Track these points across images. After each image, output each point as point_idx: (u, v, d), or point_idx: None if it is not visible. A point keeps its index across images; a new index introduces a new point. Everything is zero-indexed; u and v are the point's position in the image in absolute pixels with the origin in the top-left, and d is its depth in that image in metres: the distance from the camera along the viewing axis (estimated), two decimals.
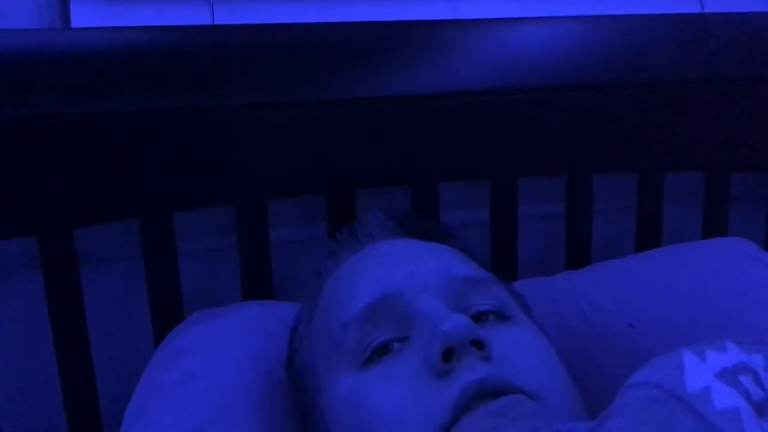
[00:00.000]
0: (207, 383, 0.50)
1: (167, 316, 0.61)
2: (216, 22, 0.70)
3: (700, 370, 0.32)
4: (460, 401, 0.36)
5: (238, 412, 0.49)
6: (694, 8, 0.84)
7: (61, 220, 0.58)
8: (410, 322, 0.41)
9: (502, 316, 0.42)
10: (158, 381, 0.52)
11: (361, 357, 0.41)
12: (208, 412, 0.48)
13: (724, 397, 0.30)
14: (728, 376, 0.32)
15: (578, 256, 0.71)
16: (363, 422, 0.39)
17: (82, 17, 0.67)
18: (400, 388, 0.38)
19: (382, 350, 0.40)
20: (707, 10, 0.84)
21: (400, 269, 0.44)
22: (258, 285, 0.64)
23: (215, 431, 0.47)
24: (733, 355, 0.33)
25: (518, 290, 0.50)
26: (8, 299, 0.64)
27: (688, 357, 0.33)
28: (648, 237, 0.73)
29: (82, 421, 0.60)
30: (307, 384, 0.45)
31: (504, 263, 0.68)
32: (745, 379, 0.32)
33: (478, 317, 0.42)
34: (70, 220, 0.58)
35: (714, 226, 0.75)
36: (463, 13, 0.77)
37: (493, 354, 0.38)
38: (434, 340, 0.37)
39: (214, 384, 0.50)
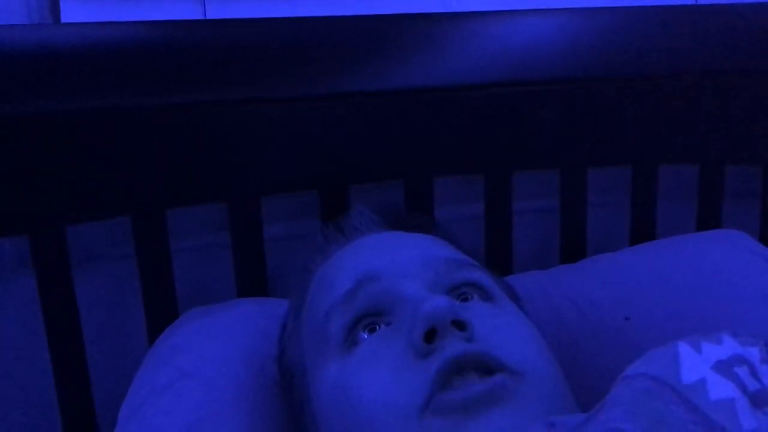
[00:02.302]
0: (201, 382, 0.50)
1: (161, 313, 0.61)
2: (207, 17, 0.70)
3: (695, 362, 0.32)
4: (438, 375, 0.36)
5: (233, 410, 0.49)
6: None
7: (52, 218, 0.57)
8: (392, 306, 0.41)
9: (485, 295, 0.42)
10: (152, 379, 0.52)
11: (346, 342, 0.41)
12: (202, 411, 0.48)
13: (720, 389, 0.30)
14: (724, 367, 0.32)
15: (573, 249, 0.71)
16: (348, 408, 0.39)
17: (71, 12, 0.66)
18: (383, 370, 0.38)
19: (367, 329, 0.41)
20: (701, 1, 0.84)
21: (380, 256, 0.44)
22: (252, 282, 0.63)
23: (209, 430, 0.47)
24: (728, 347, 0.33)
25: (509, 282, 0.50)
26: (1, 298, 0.64)
27: (684, 349, 0.33)
28: (642, 230, 0.73)
29: (76, 419, 0.59)
30: (296, 381, 0.45)
31: (499, 257, 0.68)
32: (741, 371, 0.32)
33: (462, 295, 0.42)
34: (62, 218, 0.58)
35: (708, 220, 0.75)
36: (457, 5, 0.76)
37: (474, 334, 0.38)
38: (415, 321, 0.37)
39: (208, 382, 0.50)
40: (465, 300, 0.42)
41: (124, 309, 0.66)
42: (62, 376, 0.59)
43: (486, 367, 0.36)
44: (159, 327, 0.59)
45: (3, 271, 0.64)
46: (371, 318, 0.41)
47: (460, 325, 0.38)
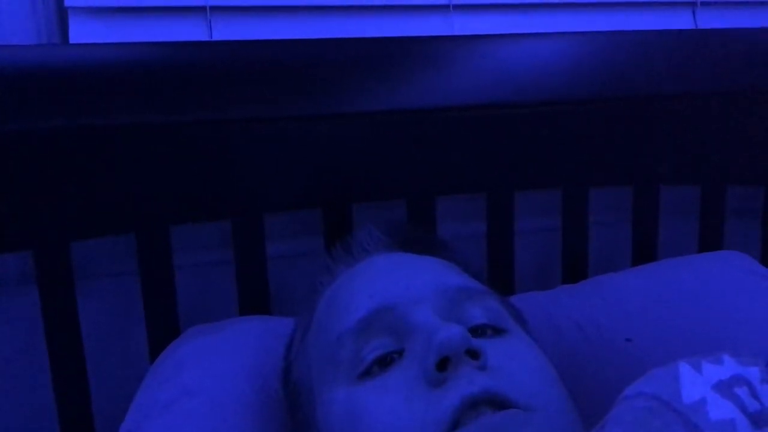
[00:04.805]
0: (203, 399, 0.50)
1: (163, 330, 0.61)
2: (213, 38, 0.71)
3: (696, 382, 0.32)
4: (454, 415, 0.35)
5: (235, 427, 0.48)
6: (687, 24, 0.85)
7: (57, 235, 0.58)
8: (405, 334, 0.41)
9: (497, 330, 0.42)
10: (154, 397, 0.52)
11: (357, 370, 0.40)
12: (206, 428, 0.48)
13: (720, 409, 0.31)
14: (724, 388, 0.32)
15: (574, 269, 0.71)
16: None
17: (80, 33, 0.67)
18: (394, 398, 0.38)
19: (381, 363, 0.40)
20: (700, 25, 0.85)
21: (395, 282, 0.44)
22: (255, 299, 0.64)
23: None
24: (729, 367, 0.33)
25: (514, 304, 0.50)
26: (4, 314, 0.64)
27: (685, 369, 0.33)
28: (644, 250, 0.73)
29: None
30: (302, 399, 0.45)
31: (501, 277, 0.68)
32: (741, 392, 0.32)
33: (474, 331, 0.41)
34: (66, 234, 0.58)
35: (710, 240, 0.75)
36: (459, 28, 0.77)
37: (488, 364, 0.38)
38: (429, 350, 0.37)
39: (210, 400, 0.50)
40: (477, 334, 0.41)
41: (126, 325, 0.66)
42: (63, 391, 0.59)
43: (500, 404, 0.36)
44: (161, 343, 0.59)
45: (6, 286, 0.64)
46: (384, 348, 0.40)
47: (473, 354, 0.38)
